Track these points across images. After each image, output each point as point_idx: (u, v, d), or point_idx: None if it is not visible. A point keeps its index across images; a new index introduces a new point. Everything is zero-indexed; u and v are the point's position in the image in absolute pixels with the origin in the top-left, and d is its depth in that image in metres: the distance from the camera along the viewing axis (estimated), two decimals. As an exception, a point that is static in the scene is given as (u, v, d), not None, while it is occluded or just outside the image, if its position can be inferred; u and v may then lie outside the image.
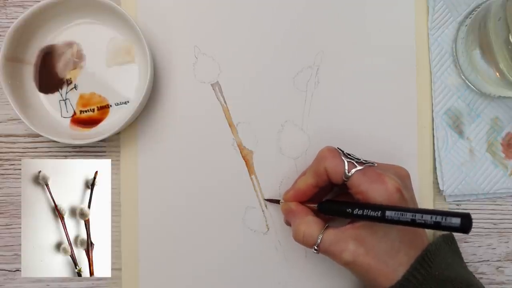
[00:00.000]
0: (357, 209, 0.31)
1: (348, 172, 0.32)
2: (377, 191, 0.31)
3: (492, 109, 0.40)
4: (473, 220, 0.40)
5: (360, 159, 0.34)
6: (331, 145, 0.35)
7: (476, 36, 0.37)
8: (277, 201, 0.39)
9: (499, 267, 0.41)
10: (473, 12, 0.39)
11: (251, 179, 0.40)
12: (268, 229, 0.40)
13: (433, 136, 0.40)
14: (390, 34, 0.41)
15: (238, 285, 0.40)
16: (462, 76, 0.40)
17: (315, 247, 0.33)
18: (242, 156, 0.40)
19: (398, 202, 0.31)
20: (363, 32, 0.41)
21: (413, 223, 0.28)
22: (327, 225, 0.34)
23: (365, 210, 0.30)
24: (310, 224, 0.34)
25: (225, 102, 0.40)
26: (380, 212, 0.29)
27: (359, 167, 0.33)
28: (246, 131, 0.40)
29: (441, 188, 0.40)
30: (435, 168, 0.41)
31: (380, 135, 0.40)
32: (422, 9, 0.41)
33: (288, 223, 0.38)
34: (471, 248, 0.41)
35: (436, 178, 0.40)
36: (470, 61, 0.38)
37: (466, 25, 0.39)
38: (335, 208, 0.34)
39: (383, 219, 0.29)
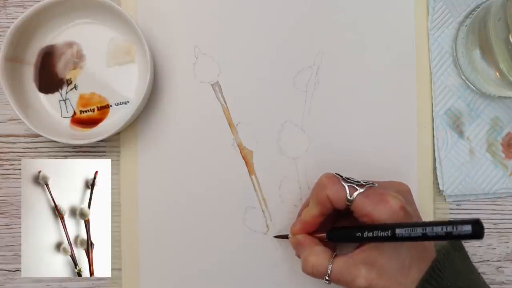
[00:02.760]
0: (366, 232, 0.31)
1: (350, 197, 0.32)
2: (382, 211, 0.31)
3: (492, 109, 0.40)
4: (473, 220, 0.41)
5: (360, 182, 0.33)
6: (329, 172, 0.35)
7: (476, 36, 0.37)
8: (285, 236, 0.38)
9: (499, 267, 0.41)
10: (473, 12, 0.39)
11: (251, 179, 0.40)
12: (268, 229, 0.40)
13: (433, 136, 0.40)
14: (390, 34, 0.41)
15: (238, 285, 0.40)
16: (462, 76, 0.40)
17: (326, 278, 0.33)
18: (242, 156, 0.40)
19: (404, 219, 0.31)
20: (363, 32, 0.41)
21: (424, 237, 0.27)
22: (335, 253, 0.34)
23: (375, 232, 0.30)
24: (318, 255, 0.33)
25: (225, 102, 0.40)
26: (390, 231, 0.29)
27: (360, 190, 0.32)
28: (246, 131, 0.40)
29: (441, 188, 0.40)
30: (435, 168, 0.41)
31: (380, 135, 0.40)
32: (422, 9, 0.41)
33: (299, 256, 0.37)
34: (471, 248, 0.41)
35: (436, 178, 0.40)
36: (470, 61, 0.38)
37: (466, 25, 0.39)
38: (344, 234, 0.34)
39: (394, 238, 0.29)
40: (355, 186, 0.33)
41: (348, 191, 0.32)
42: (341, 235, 0.34)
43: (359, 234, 0.31)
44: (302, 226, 0.36)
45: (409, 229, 0.28)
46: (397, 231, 0.29)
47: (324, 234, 0.35)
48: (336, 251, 0.36)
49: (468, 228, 0.25)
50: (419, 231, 0.28)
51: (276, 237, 0.40)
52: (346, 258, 0.33)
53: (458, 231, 0.26)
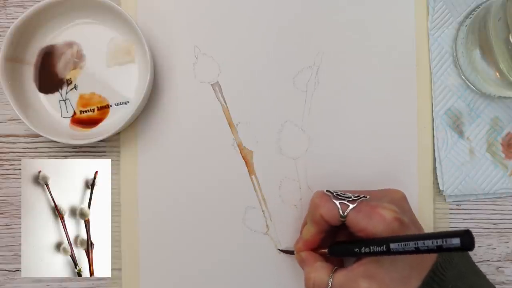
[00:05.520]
0: (363, 247, 0.31)
1: (343, 213, 0.32)
2: (376, 225, 0.31)
3: (492, 109, 0.40)
4: (473, 220, 0.41)
5: (350, 197, 0.34)
6: (320, 190, 0.35)
7: (476, 36, 0.37)
8: (291, 252, 0.39)
9: (499, 267, 0.41)
10: (473, 12, 0.39)
11: (251, 179, 0.40)
12: (268, 229, 0.40)
13: (433, 136, 0.40)
14: (390, 34, 0.41)
15: (238, 285, 0.40)
16: (462, 76, 0.40)
17: None
18: (242, 156, 0.40)
19: (399, 230, 0.31)
20: (363, 32, 0.41)
21: (417, 251, 0.28)
22: (335, 267, 0.34)
23: (371, 247, 0.30)
24: (318, 271, 0.34)
25: (225, 102, 0.40)
26: (385, 246, 0.29)
27: (352, 206, 0.32)
28: (246, 131, 0.40)
29: (441, 188, 0.40)
30: (435, 168, 0.41)
31: (380, 135, 0.40)
32: (422, 9, 0.41)
33: None
34: (471, 248, 0.41)
35: (436, 178, 0.40)
36: (470, 61, 0.38)
37: (466, 25, 0.39)
38: (343, 250, 0.34)
39: (389, 252, 0.29)
40: (346, 202, 0.33)
41: (340, 208, 0.33)
42: (341, 250, 0.35)
43: (357, 249, 0.32)
44: (304, 244, 0.36)
45: (402, 243, 0.28)
46: (392, 245, 0.29)
47: (326, 250, 0.36)
48: (344, 264, 0.36)
49: (457, 241, 0.25)
50: (411, 245, 0.28)
51: (281, 251, 0.40)
52: (346, 272, 0.33)
53: (448, 244, 0.26)
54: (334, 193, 0.34)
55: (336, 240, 0.37)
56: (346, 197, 0.34)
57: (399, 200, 0.34)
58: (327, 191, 0.35)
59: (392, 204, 0.32)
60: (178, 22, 0.40)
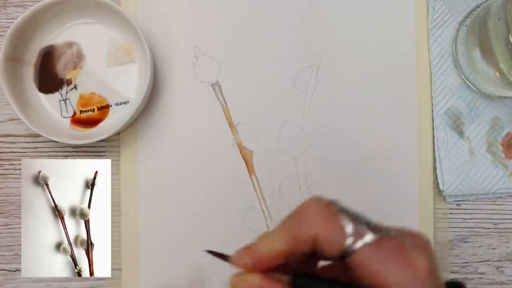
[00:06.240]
0: None
1: (352, 245, 0.21)
2: (399, 274, 0.21)
3: (492, 109, 0.40)
4: (473, 220, 0.41)
5: (370, 222, 0.22)
6: (320, 195, 0.24)
7: (476, 36, 0.37)
8: (222, 256, 0.25)
9: (499, 267, 0.41)
10: (473, 12, 0.39)
11: (251, 179, 0.40)
12: (268, 229, 0.40)
13: (433, 136, 0.40)
14: (390, 34, 0.41)
15: (238, 285, 0.40)
16: (462, 76, 0.40)
17: None
18: (242, 156, 0.40)
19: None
20: (363, 32, 0.41)
21: None
22: None
23: None
24: None
25: (225, 102, 0.40)
26: None
27: (368, 238, 0.21)
28: (246, 131, 0.40)
29: (441, 188, 0.40)
30: (435, 168, 0.40)
31: (380, 135, 0.40)
32: (422, 9, 0.41)
33: None
34: (471, 248, 0.41)
35: (436, 178, 0.40)
36: (470, 61, 0.38)
37: (466, 25, 0.39)
38: None
39: None
40: (361, 230, 0.22)
41: (349, 236, 0.22)
42: None
43: None
44: (258, 260, 0.23)
45: None
46: None
47: (287, 276, 0.23)
48: None
49: None
50: None
51: (209, 252, 0.27)
52: None
53: None
54: (340, 206, 0.23)
55: (303, 270, 0.24)
56: (363, 220, 0.22)
57: (427, 246, 0.23)
58: (331, 201, 0.23)
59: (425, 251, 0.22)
60: (178, 22, 0.40)
